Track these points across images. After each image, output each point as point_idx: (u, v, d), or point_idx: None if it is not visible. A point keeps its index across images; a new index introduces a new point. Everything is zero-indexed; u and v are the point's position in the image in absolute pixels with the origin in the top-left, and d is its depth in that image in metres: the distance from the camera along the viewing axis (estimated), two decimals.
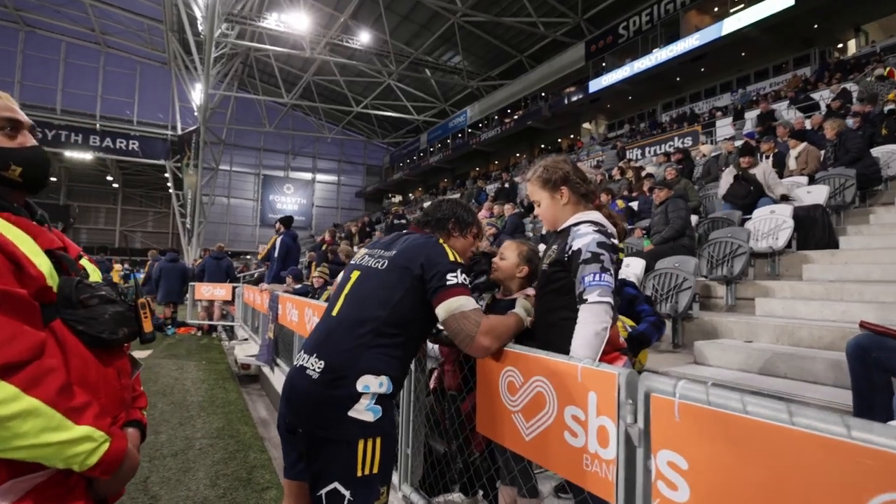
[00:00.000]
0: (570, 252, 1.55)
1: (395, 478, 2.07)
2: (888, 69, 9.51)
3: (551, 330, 1.60)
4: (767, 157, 6.47)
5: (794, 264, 4.65)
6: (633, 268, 4.27)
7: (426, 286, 1.43)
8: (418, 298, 1.44)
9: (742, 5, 16.96)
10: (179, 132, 29.76)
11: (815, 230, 4.80)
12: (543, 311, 1.67)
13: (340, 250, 8.05)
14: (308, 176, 38.78)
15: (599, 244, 1.50)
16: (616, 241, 1.58)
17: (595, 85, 21.94)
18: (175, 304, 9.62)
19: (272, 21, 25.02)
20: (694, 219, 5.62)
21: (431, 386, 2.25)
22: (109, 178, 39.18)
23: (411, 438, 2.04)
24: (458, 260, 1.50)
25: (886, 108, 7.38)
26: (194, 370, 6.06)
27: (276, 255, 6.13)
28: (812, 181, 5.80)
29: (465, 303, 1.39)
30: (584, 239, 1.53)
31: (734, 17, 16.64)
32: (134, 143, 30.62)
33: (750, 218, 5.14)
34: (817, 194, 5.17)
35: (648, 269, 4.36)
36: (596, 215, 1.61)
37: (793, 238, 4.79)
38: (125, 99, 34.17)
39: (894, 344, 1.88)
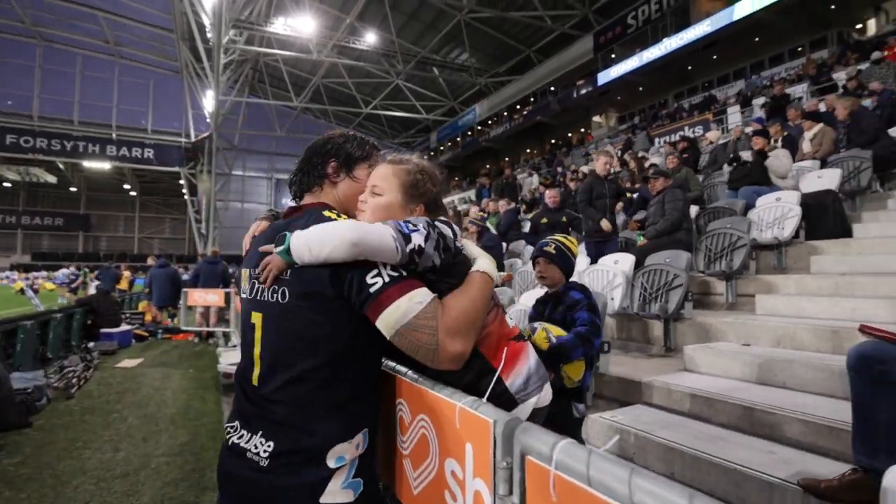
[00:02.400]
0: None
1: None
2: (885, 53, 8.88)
3: None
4: (776, 141, 6.04)
5: (801, 256, 4.25)
6: (621, 264, 3.94)
7: (350, 301, 1.00)
8: (354, 318, 1.01)
9: None
10: (193, 139, 30.13)
11: (825, 218, 4.39)
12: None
13: None
14: None
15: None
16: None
17: (604, 77, 21.42)
18: (172, 309, 9.63)
19: (279, 25, 25.09)
20: (695, 210, 5.25)
21: None
22: (127, 186, 40.02)
23: None
24: None
25: None
26: (179, 379, 5.91)
27: None
28: (824, 165, 5.36)
29: (408, 306, 0.96)
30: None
31: (746, 1, 15.99)
32: (149, 152, 31.23)
33: (754, 207, 4.75)
34: (829, 179, 4.74)
35: (639, 265, 4.01)
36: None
37: (800, 227, 4.38)
38: (140, 108, 34.74)
39: None
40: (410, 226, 1.04)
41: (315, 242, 0.99)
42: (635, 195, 7.04)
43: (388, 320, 0.96)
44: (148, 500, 2.82)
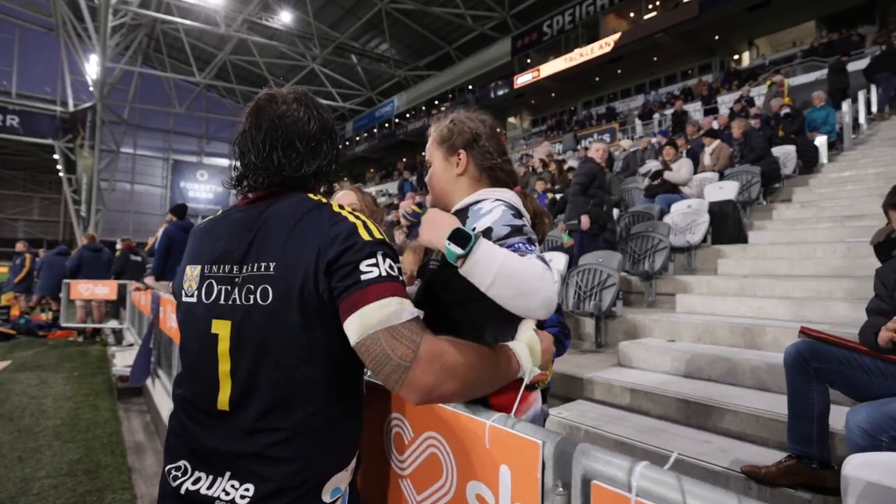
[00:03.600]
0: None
1: None
2: (776, 80, 10.20)
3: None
4: (680, 154, 6.67)
5: (709, 259, 4.71)
6: (555, 263, 4.07)
7: (332, 293, 0.82)
8: (336, 318, 0.83)
9: (654, 12, 17.95)
10: (71, 109, 26.34)
11: (727, 225, 4.91)
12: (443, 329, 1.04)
13: None
14: (225, 162, 36.05)
15: (513, 218, 1.04)
16: (530, 233, 1.07)
17: (520, 80, 22.23)
18: (53, 303, 8.37)
19: None
20: (616, 213, 5.62)
21: None
22: None
23: None
24: (375, 230, 0.87)
25: (782, 112, 7.88)
26: (61, 384, 5.11)
27: (157, 246, 5.27)
28: (722, 177, 6.00)
29: (399, 309, 0.80)
30: (491, 216, 1.06)
31: (647, 22, 17.57)
32: (13, 119, 26.79)
33: (668, 212, 5.18)
34: (728, 190, 5.31)
35: (571, 264, 4.19)
36: (506, 193, 1.15)
37: (708, 233, 4.85)
38: (3, 68, 29.70)
39: (836, 353, 1.72)
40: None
41: (506, 277, 0.87)
42: (558, 196, 7.36)
43: (369, 317, 0.78)
44: None
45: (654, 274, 4.35)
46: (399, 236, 5.92)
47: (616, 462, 0.65)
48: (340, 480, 0.86)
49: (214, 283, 0.89)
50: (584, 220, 4.46)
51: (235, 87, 31.59)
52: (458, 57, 26.55)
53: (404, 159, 30.36)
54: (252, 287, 0.85)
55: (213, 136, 35.40)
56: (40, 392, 4.82)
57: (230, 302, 0.86)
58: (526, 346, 0.97)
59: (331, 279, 0.82)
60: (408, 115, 29.91)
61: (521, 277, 0.88)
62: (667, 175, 5.84)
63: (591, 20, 20.04)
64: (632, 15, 19.30)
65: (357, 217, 0.89)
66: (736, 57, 19.26)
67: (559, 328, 1.79)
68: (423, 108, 28.69)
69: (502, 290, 0.88)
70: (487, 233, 1.04)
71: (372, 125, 32.34)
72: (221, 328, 0.87)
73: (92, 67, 23.53)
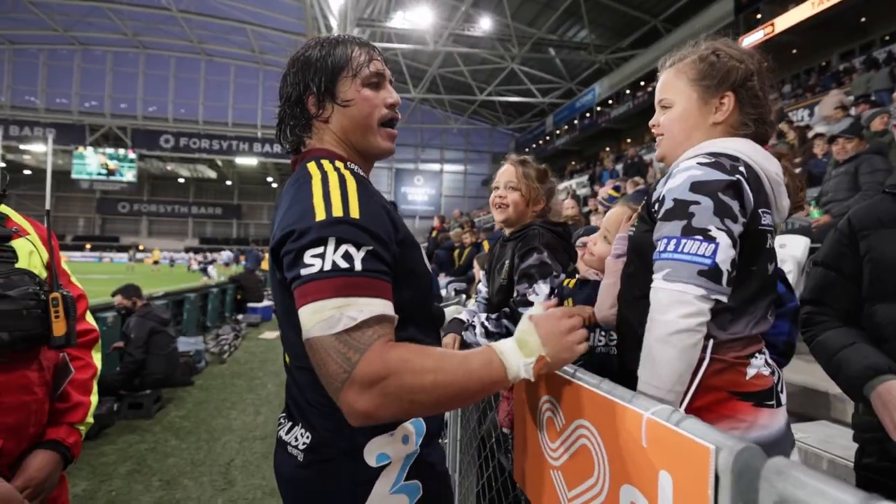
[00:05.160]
0: (656, 202, 0.95)
1: None
2: None
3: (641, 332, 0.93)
4: None
5: None
6: (790, 248, 3.23)
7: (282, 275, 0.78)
8: None
9: None
10: None
11: None
12: (632, 297, 1.01)
13: (453, 235, 7.87)
14: (436, 167, 40.04)
15: (695, 186, 0.86)
16: (750, 186, 0.88)
17: (747, 41, 18.67)
18: None
19: (398, 20, 26.04)
20: None
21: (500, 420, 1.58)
22: (269, 178, 45.10)
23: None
24: (339, 203, 0.74)
25: None
26: None
27: None
28: None
29: (333, 315, 0.68)
30: (676, 180, 0.90)
31: None
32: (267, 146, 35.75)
33: None
34: None
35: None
36: (734, 144, 0.94)
37: None
38: (250, 106, 38.97)
39: None
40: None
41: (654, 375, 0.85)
42: (798, 170, 5.93)
43: (304, 320, 0.70)
44: None
45: None
46: (596, 221, 5.60)
47: (833, 494, 0.43)
48: (384, 446, 0.81)
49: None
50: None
51: (444, 98, 34.60)
52: (666, 29, 23.87)
53: (607, 149, 28.77)
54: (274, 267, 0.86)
55: (427, 144, 39.55)
56: None
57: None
58: (514, 341, 0.77)
59: (281, 267, 0.76)
60: (610, 102, 28.19)
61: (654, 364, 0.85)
62: None
63: None
64: None
65: (325, 186, 0.76)
66: None
67: (786, 338, 1.28)
68: (627, 91, 26.65)
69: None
70: (661, 203, 0.91)
71: (572, 116, 31.53)
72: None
73: None
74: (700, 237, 0.83)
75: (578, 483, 0.83)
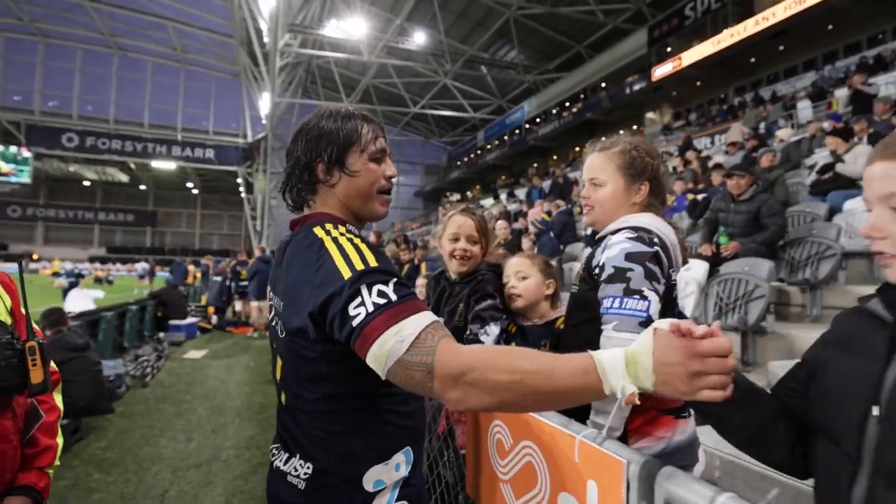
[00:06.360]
0: (596, 267, 1.21)
1: None
2: None
3: None
4: (862, 140, 5.56)
5: None
6: (693, 271, 3.72)
7: (337, 340, 0.86)
8: (355, 357, 0.84)
9: None
10: (250, 140, 31.61)
11: None
12: (576, 345, 1.23)
13: (388, 251, 7.97)
14: None
15: (629, 256, 1.12)
16: (664, 252, 1.17)
17: (659, 72, 20.58)
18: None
19: (332, 28, 25.74)
20: None
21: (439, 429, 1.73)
22: (189, 184, 42.43)
23: None
24: (358, 259, 0.86)
25: None
26: (241, 372, 6.16)
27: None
28: None
29: (395, 342, 0.78)
30: (612, 251, 1.16)
31: None
32: (210, 152, 33.21)
33: (840, 211, 4.38)
34: None
35: (712, 273, 3.78)
36: (646, 219, 1.22)
37: None
38: (202, 111, 36.86)
39: None
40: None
41: None
42: (699, 196, 6.70)
43: (377, 358, 0.79)
44: (220, 492, 2.93)
45: (818, 284, 3.71)
46: (526, 243, 5.95)
47: (699, 490, 0.65)
48: (380, 474, 0.93)
49: (272, 308, 1.04)
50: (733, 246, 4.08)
51: (378, 108, 34.57)
52: (589, 55, 25.64)
53: (535, 164, 30.17)
54: (276, 319, 0.98)
55: None
56: (227, 378, 5.86)
57: (273, 323, 1.01)
58: (624, 355, 0.72)
59: (328, 328, 0.85)
60: (538, 120, 29.68)
61: None
62: (839, 168, 4.93)
63: None
64: None
65: (341, 250, 0.87)
66: None
67: None
68: (554, 111, 28.22)
69: None
70: (602, 269, 1.18)
71: (503, 132, 32.76)
72: (277, 344, 1.01)
73: (264, 103, 27.74)
74: (637, 296, 1.08)
75: (524, 493, 1.01)
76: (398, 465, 0.95)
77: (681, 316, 1.43)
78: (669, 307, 1.20)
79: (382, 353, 0.78)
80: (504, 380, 0.74)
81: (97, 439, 3.77)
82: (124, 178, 39.34)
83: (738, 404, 0.80)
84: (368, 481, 0.92)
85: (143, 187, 42.83)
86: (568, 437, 0.88)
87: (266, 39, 25.00)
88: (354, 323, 0.80)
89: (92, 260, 37.45)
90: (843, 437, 0.72)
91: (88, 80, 34.83)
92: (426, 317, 0.81)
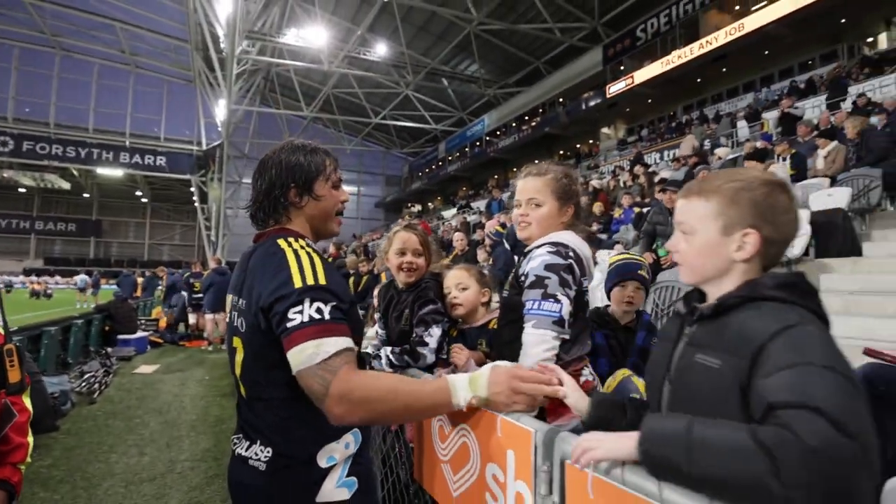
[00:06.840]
0: (523, 275, 1.43)
1: None
2: None
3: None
4: (784, 160, 6.13)
5: (811, 274, 4.31)
6: (602, 264, 4.00)
7: (276, 333, 1.01)
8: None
9: (765, 2, 16.46)
10: (204, 147, 30.64)
11: (835, 237, 4.46)
12: (506, 341, 1.48)
13: (349, 262, 8.00)
14: None
15: (547, 266, 1.35)
16: (577, 264, 1.39)
17: (613, 89, 21.60)
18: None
19: (291, 37, 25.51)
20: None
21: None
22: (139, 193, 40.63)
23: None
24: (311, 274, 1.02)
25: None
26: (195, 386, 6.03)
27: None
28: (833, 183, 5.44)
29: (313, 352, 0.95)
30: (535, 262, 1.39)
31: (756, 15, 16.19)
32: (161, 159, 31.82)
33: None
34: (839, 197, 4.82)
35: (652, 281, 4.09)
36: (566, 236, 1.45)
37: (810, 245, 4.46)
38: (153, 117, 35.47)
39: None
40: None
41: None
42: (646, 209, 7.13)
43: (293, 359, 0.96)
44: (176, 503, 2.93)
45: None
46: (481, 255, 6.16)
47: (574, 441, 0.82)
48: (333, 450, 1.06)
49: (233, 310, 1.16)
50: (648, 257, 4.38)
51: (338, 118, 34.43)
52: (547, 71, 26.55)
53: (496, 176, 30.80)
54: (239, 316, 1.11)
55: None
56: (181, 391, 5.73)
57: (237, 325, 1.12)
58: (468, 377, 1.07)
59: (270, 323, 1.01)
60: (498, 133, 30.37)
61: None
62: None
63: (689, 19, 18.99)
64: (737, 8, 17.93)
65: (298, 262, 1.03)
66: (870, 40, 16.97)
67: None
68: (514, 124, 28.97)
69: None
70: (526, 278, 1.40)
71: (464, 144, 33.27)
72: (237, 343, 1.12)
73: (220, 110, 27.06)
74: (552, 300, 1.30)
75: (460, 468, 1.17)
76: (347, 444, 1.09)
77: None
78: (581, 308, 1.44)
79: (299, 357, 0.96)
80: (381, 397, 0.97)
81: (41, 457, 3.64)
82: (66, 185, 37.12)
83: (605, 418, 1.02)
84: (322, 457, 1.05)
85: (86, 195, 40.65)
86: (493, 417, 1.04)
87: (223, 45, 24.50)
88: (289, 325, 0.97)
89: (27, 272, 35.14)
90: (651, 397, 0.97)
91: (26, 81, 32.95)
92: (344, 342, 0.98)
